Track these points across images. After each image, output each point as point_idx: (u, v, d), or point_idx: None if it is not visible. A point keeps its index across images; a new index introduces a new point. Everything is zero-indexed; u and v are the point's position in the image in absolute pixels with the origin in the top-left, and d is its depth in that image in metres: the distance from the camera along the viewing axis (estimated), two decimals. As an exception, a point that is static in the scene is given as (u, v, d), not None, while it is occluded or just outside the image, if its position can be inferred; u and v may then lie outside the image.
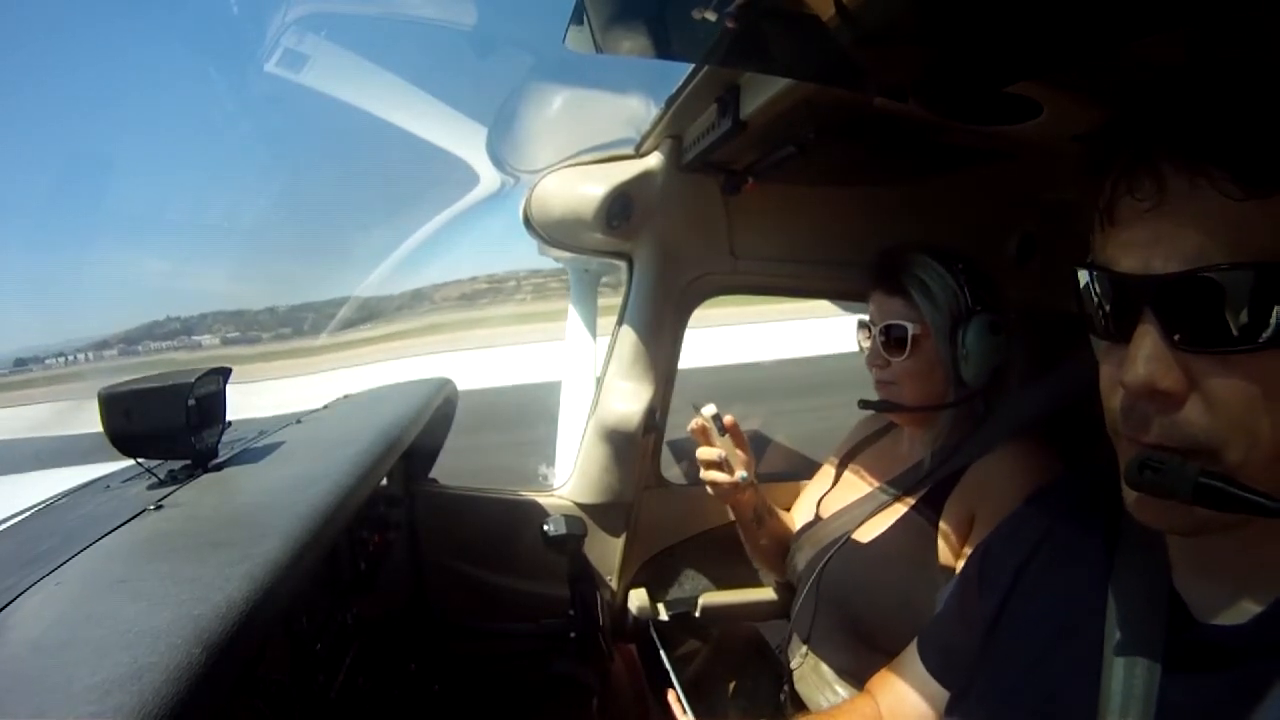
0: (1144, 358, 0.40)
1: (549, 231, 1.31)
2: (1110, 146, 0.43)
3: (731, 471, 1.06)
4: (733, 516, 1.17)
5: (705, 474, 1.08)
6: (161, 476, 0.87)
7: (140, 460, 0.89)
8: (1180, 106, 0.40)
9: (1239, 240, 0.37)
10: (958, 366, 0.97)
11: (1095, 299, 0.44)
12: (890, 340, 1.00)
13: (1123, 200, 0.41)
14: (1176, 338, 0.40)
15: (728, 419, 1.06)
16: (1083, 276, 0.45)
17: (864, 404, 1.06)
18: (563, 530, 1.13)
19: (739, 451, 1.07)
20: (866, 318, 1.05)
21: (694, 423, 1.07)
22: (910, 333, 0.98)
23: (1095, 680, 0.48)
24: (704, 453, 1.07)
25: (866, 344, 1.04)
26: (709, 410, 1.06)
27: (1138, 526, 0.47)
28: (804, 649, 1.08)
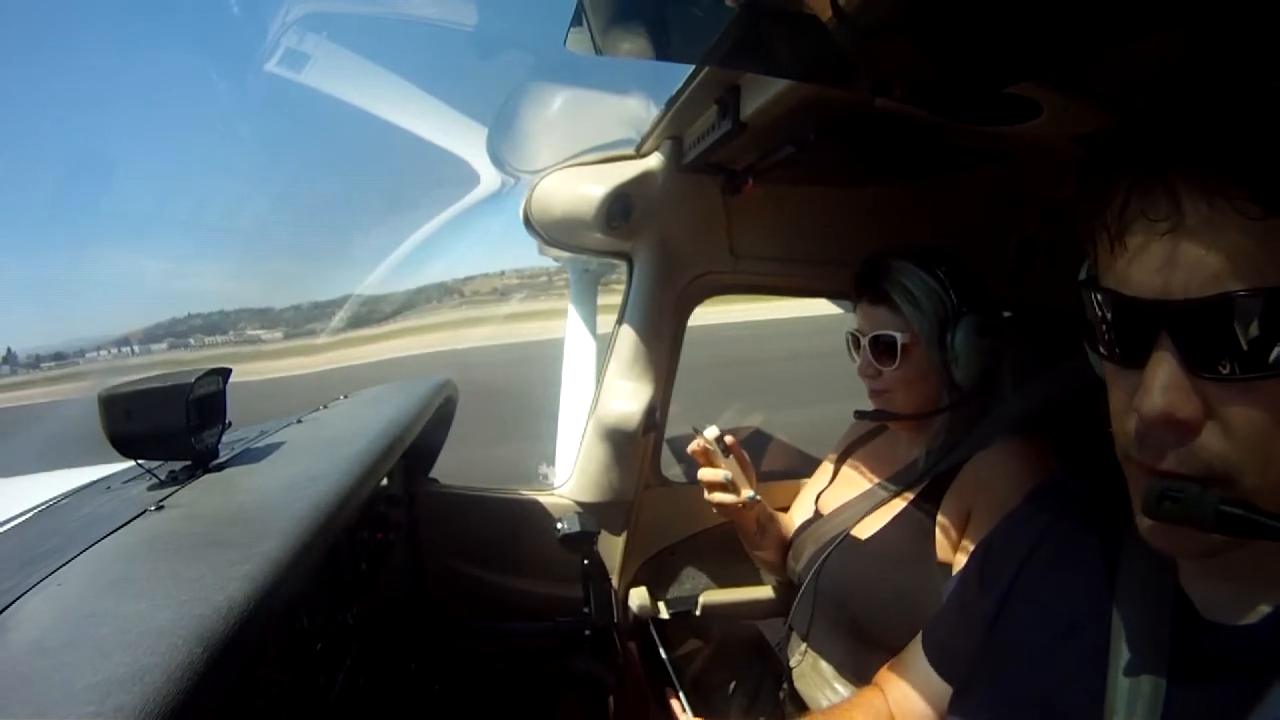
0: (1161, 387, 0.39)
1: (549, 231, 1.31)
2: (1117, 155, 0.41)
3: (737, 491, 1.06)
4: (730, 520, 1.17)
5: (711, 496, 1.07)
6: (162, 477, 0.87)
7: (140, 461, 0.89)
8: (1193, 122, 0.38)
9: (1259, 263, 0.36)
10: (949, 370, 0.97)
11: (1104, 320, 0.43)
12: (880, 350, 0.99)
13: (1136, 220, 0.39)
14: (1194, 364, 0.38)
15: (729, 439, 1.05)
16: (1091, 298, 0.43)
17: (860, 415, 1.06)
18: (577, 528, 1.13)
19: (742, 471, 1.07)
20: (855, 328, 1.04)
21: (694, 445, 1.06)
22: (899, 341, 0.97)
23: (1100, 678, 0.48)
24: (708, 474, 1.06)
25: (857, 355, 1.03)
26: (711, 432, 1.05)
27: None
28: (803, 646, 1.08)
